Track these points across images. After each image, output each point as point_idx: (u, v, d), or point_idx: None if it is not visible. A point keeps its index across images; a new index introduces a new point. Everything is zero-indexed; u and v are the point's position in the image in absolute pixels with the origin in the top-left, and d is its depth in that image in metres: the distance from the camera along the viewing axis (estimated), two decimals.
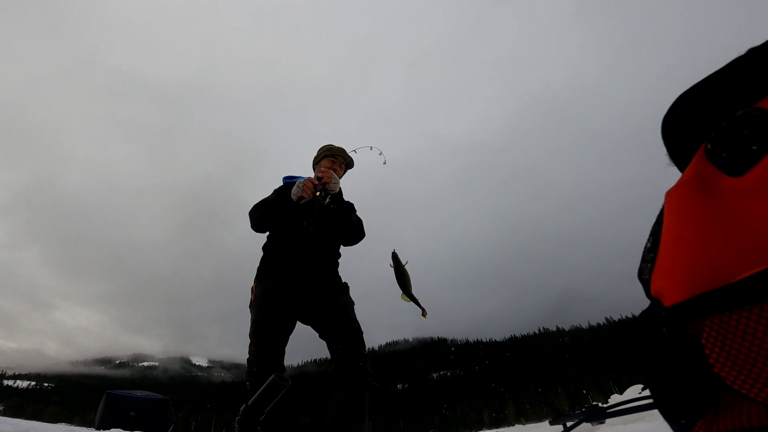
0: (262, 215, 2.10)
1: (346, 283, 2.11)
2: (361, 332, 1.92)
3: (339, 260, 2.18)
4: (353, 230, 2.13)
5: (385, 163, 2.60)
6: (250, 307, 1.93)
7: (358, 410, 1.71)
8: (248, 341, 1.80)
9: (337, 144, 2.42)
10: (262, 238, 2.16)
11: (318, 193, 2.07)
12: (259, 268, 2.04)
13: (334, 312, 1.92)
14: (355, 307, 2.04)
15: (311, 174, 2.35)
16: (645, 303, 0.40)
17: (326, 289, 1.98)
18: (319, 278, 1.99)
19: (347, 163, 2.41)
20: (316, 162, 2.40)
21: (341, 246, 2.20)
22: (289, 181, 2.26)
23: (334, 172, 2.27)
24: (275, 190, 2.25)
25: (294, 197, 2.04)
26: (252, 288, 1.99)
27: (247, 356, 1.78)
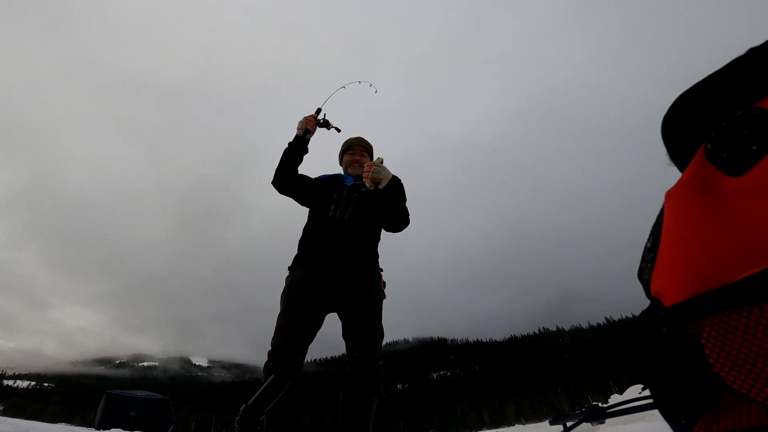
0: (277, 169, 2.12)
1: (381, 270, 1.97)
2: (380, 338, 1.81)
3: (377, 245, 2.04)
4: (398, 213, 1.98)
5: (376, 92, 2.60)
6: (280, 297, 1.86)
7: (363, 417, 1.66)
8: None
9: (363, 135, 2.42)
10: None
11: (321, 120, 2.22)
12: (294, 258, 1.96)
13: (359, 312, 1.79)
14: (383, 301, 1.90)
15: (339, 170, 2.39)
16: (645, 303, 0.40)
17: (357, 280, 1.84)
18: (351, 267, 1.85)
19: (367, 148, 2.38)
20: (341, 160, 2.40)
21: (381, 231, 2.07)
22: (323, 177, 2.25)
23: (358, 163, 2.28)
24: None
25: (300, 132, 2.16)
26: (286, 278, 1.91)
27: (269, 349, 1.69)
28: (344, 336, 1.81)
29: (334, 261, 1.85)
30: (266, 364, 1.65)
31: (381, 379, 1.75)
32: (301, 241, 2.00)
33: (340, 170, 2.38)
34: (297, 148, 2.17)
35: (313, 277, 1.82)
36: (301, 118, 2.22)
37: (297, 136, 2.18)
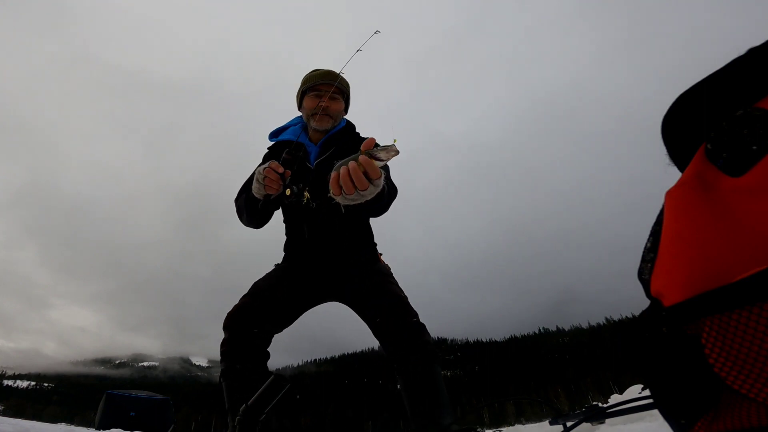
0: (239, 213, 1.64)
1: (376, 248, 1.69)
2: (405, 297, 1.49)
3: (369, 222, 1.72)
4: (377, 204, 1.25)
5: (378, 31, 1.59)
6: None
7: (432, 392, 1.37)
8: None
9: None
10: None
11: (288, 191, 1.36)
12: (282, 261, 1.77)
13: (368, 281, 1.52)
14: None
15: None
16: (645, 303, 0.40)
17: (353, 259, 1.61)
18: (344, 252, 1.61)
19: (342, 88, 1.65)
20: (300, 103, 1.72)
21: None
22: (274, 141, 1.74)
23: (326, 112, 1.58)
24: (249, 178, 1.67)
25: (258, 196, 1.40)
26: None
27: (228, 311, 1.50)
28: (363, 317, 1.51)
29: (323, 258, 1.64)
30: (221, 344, 1.49)
31: (430, 341, 1.43)
32: (286, 241, 1.74)
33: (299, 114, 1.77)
34: (256, 210, 1.53)
35: (303, 269, 1.64)
36: (261, 170, 1.36)
37: (254, 197, 1.45)
